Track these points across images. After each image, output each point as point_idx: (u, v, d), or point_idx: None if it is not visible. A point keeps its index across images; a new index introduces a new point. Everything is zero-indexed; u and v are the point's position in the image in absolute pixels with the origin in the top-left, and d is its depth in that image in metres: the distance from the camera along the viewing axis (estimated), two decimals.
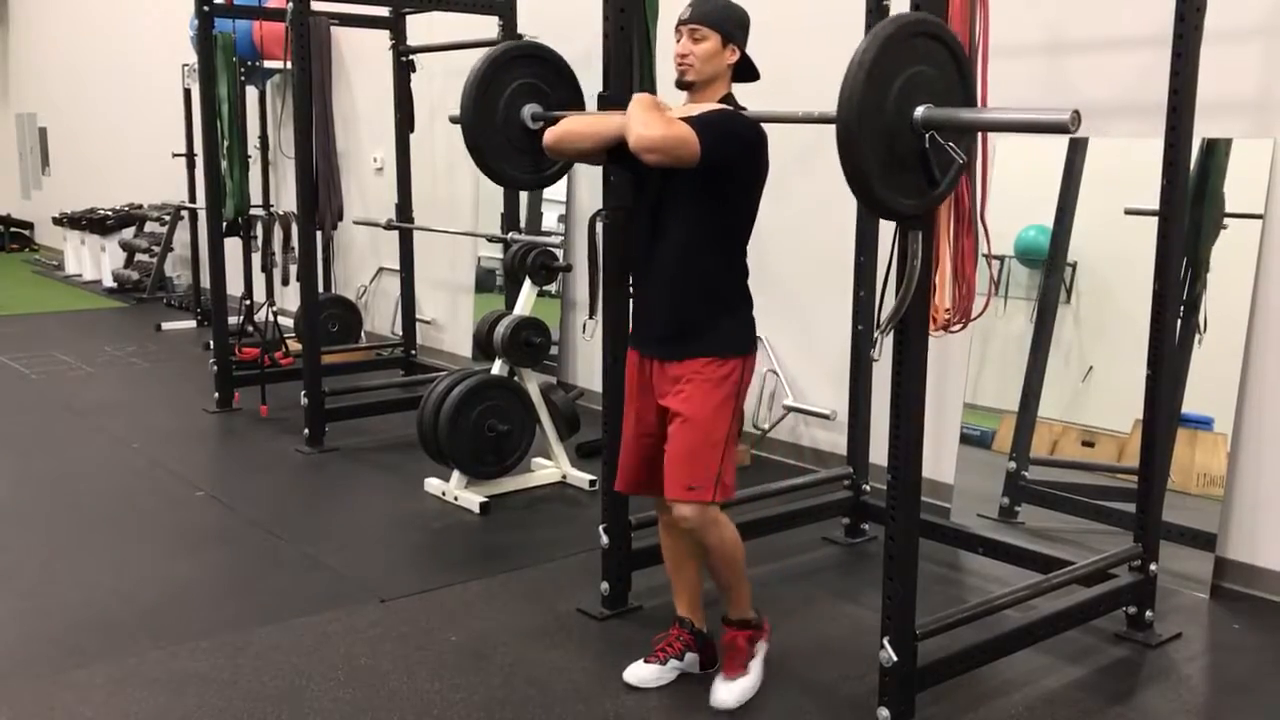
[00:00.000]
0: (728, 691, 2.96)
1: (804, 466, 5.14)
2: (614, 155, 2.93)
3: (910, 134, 2.42)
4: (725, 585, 3.02)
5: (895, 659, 2.69)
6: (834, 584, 3.87)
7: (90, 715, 2.93)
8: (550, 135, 3.02)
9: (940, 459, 4.44)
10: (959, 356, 4.37)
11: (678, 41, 2.86)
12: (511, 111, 3.40)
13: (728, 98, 2.89)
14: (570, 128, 3.00)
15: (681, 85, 2.90)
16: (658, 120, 2.70)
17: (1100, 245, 4.10)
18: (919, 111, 2.41)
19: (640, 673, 3.09)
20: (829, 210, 4.24)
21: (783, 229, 4.73)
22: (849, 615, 3.57)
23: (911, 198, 2.47)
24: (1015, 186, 4.24)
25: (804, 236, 4.99)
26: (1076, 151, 4.13)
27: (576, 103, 3.47)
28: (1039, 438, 4.24)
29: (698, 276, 2.86)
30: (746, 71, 2.94)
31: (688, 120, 2.72)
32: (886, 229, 2.88)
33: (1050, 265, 4.21)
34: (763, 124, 2.85)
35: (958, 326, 2.81)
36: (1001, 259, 4.24)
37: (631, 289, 3.12)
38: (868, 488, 4.16)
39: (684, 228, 2.85)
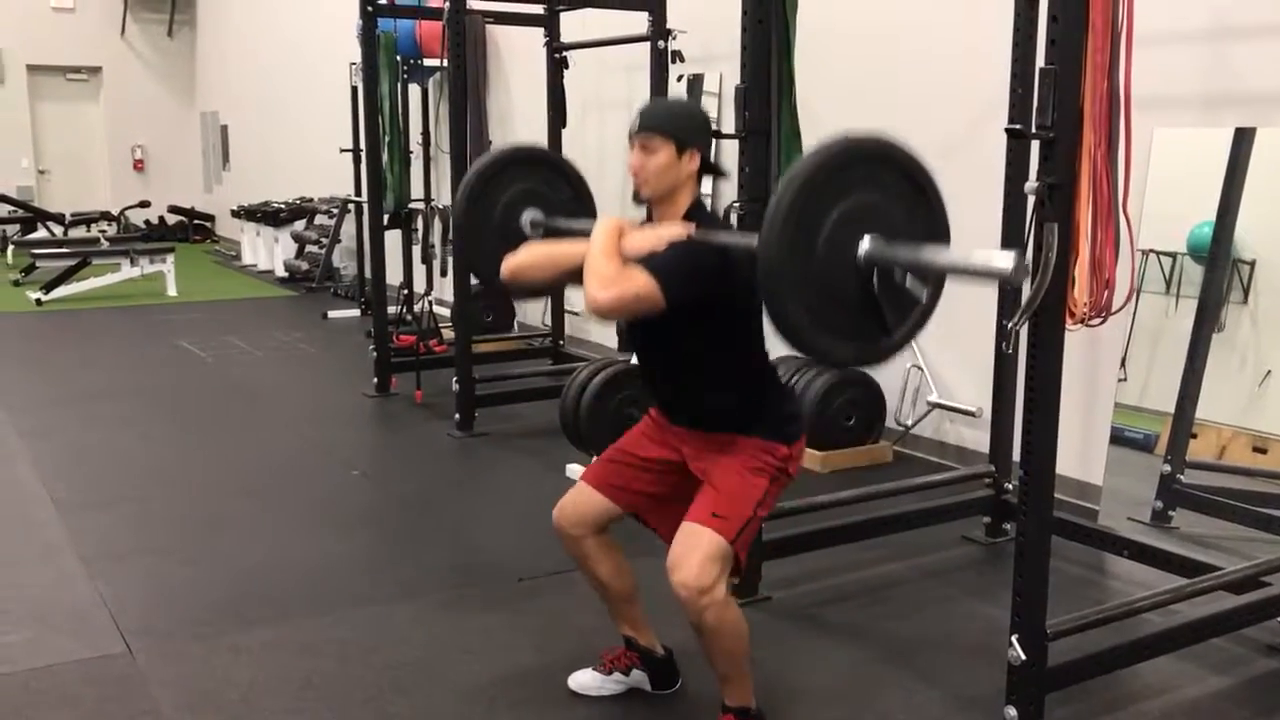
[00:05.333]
0: None
1: (947, 464, 5.05)
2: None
3: (854, 272, 2.16)
4: (723, 675, 2.67)
5: (1024, 657, 2.64)
6: (970, 583, 3.81)
7: (246, 676, 3.12)
8: (506, 266, 2.76)
9: (1089, 460, 4.32)
10: (1110, 354, 4.24)
11: (630, 151, 2.61)
12: (510, 218, 3.08)
13: (695, 207, 2.62)
14: (525, 259, 2.75)
15: (638, 200, 2.66)
16: (613, 277, 2.42)
17: None
18: (863, 246, 2.16)
19: (583, 678, 3.00)
20: (973, 203, 4.15)
21: None
22: (983, 614, 3.51)
23: (856, 344, 2.23)
24: (1188, 180, 4.07)
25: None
26: (1241, 144, 3.95)
27: (582, 208, 3.18)
28: (1204, 442, 4.06)
29: (723, 397, 2.64)
30: (711, 169, 2.69)
31: (645, 263, 2.43)
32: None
33: (1212, 262, 4.04)
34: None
35: (1096, 320, 2.73)
36: (1174, 256, 4.09)
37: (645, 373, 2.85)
38: (1010, 486, 4.07)
39: (686, 347, 2.62)
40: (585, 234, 2.61)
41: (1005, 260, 2.06)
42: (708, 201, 3.06)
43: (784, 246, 2.10)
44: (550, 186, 3.17)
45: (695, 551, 2.49)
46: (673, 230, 2.53)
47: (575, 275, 2.57)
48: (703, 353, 2.62)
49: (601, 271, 2.45)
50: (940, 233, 2.27)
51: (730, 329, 2.60)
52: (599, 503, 2.81)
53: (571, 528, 2.84)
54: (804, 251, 2.12)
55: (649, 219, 2.69)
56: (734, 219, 3.19)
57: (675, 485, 2.74)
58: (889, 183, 2.21)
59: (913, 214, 2.22)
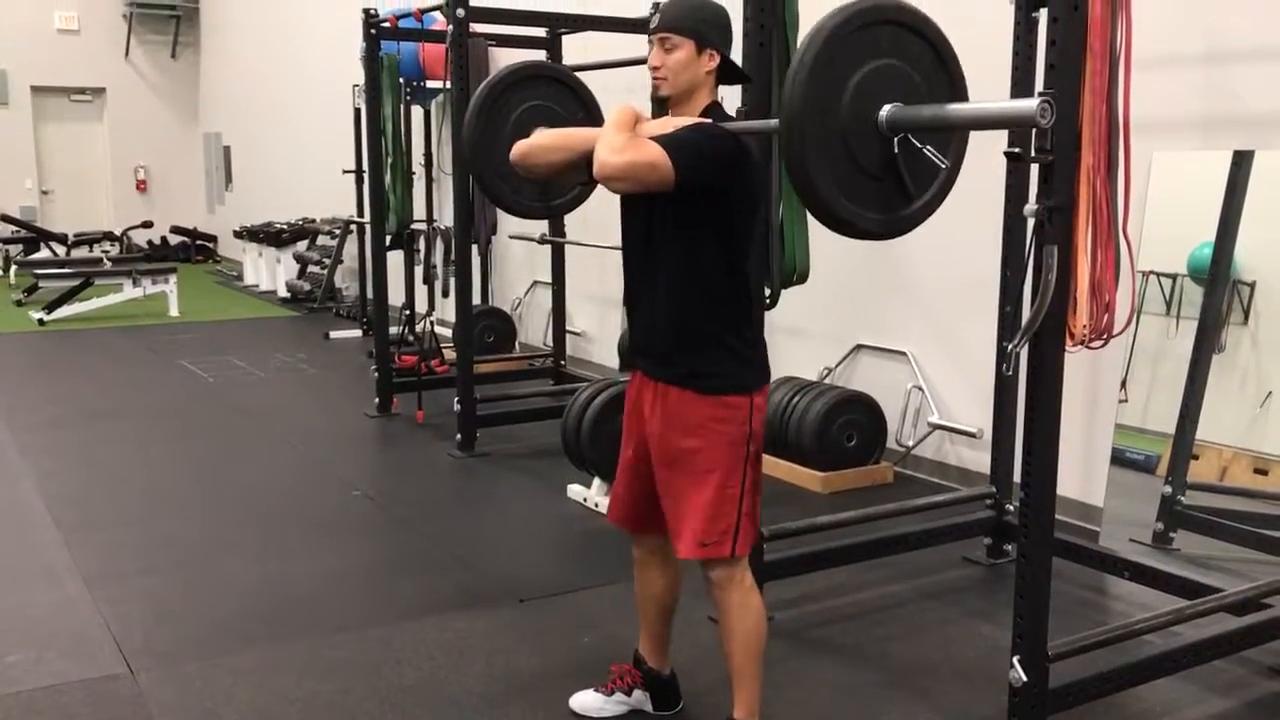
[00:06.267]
0: None
1: (949, 485, 5.05)
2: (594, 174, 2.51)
3: (876, 138, 2.17)
4: (736, 669, 2.68)
5: (1025, 679, 2.64)
6: (972, 604, 3.81)
7: (247, 697, 3.11)
8: (516, 149, 2.71)
9: (1090, 481, 4.32)
10: (1111, 376, 4.25)
11: (650, 48, 2.59)
12: (520, 135, 3.01)
13: (713, 107, 2.61)
14: (538, 140, 2.70)
15: (657, 100, 2.65)
16: (625, 143, 2.40)
17: None
18: (884, 112, 2.16)
19: (584, 699, 2.99)
20: (975, 223, 4.18)
21: (927, 243, 4.69)
22: (985, 635, 3.51)
23: (879, 212, 2.22)
24: (1187, 202, 4.09)
25: (949, 250, 4.92)
26: (1240, 165, 3.97)
27: (592, 122, 3.14)
28: (1206, 464, 4.06)
29: (692, 317, 2.58)
30: (734, 74, 2.68)
31: (660, 139, 2.42)
32: None
33: (1211, 283, 4.05)
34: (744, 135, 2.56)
35: (1098, 343, 2.74)
36: (1174, 277, 4.11)
37: (625, 308, 2.82)
38: (1011, 507, 4.07)
39: (674, 259, 2.58)
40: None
41: (1028, 105, 2.06)
42: None
43: (808, 100, 2.08)
44: (561, 104, 3.17)
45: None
46: (689, 120, 2.54)
47: (587, 161, 2.52)
48: (691, 265, 2.56)
49: (614, 140, 2.42)
50: (960, 94, 2.28)
51: (724, 239, 2.55)
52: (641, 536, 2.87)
53: (640, 536, 2.88)
54: (827, 116, 2.10)
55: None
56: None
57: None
58: (909, 48, 2.21)
59: (932, 79, 2.23)
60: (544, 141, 2.70)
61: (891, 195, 2.23)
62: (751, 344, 2.67)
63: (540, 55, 6.68)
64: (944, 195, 2.34)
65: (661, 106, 2.68)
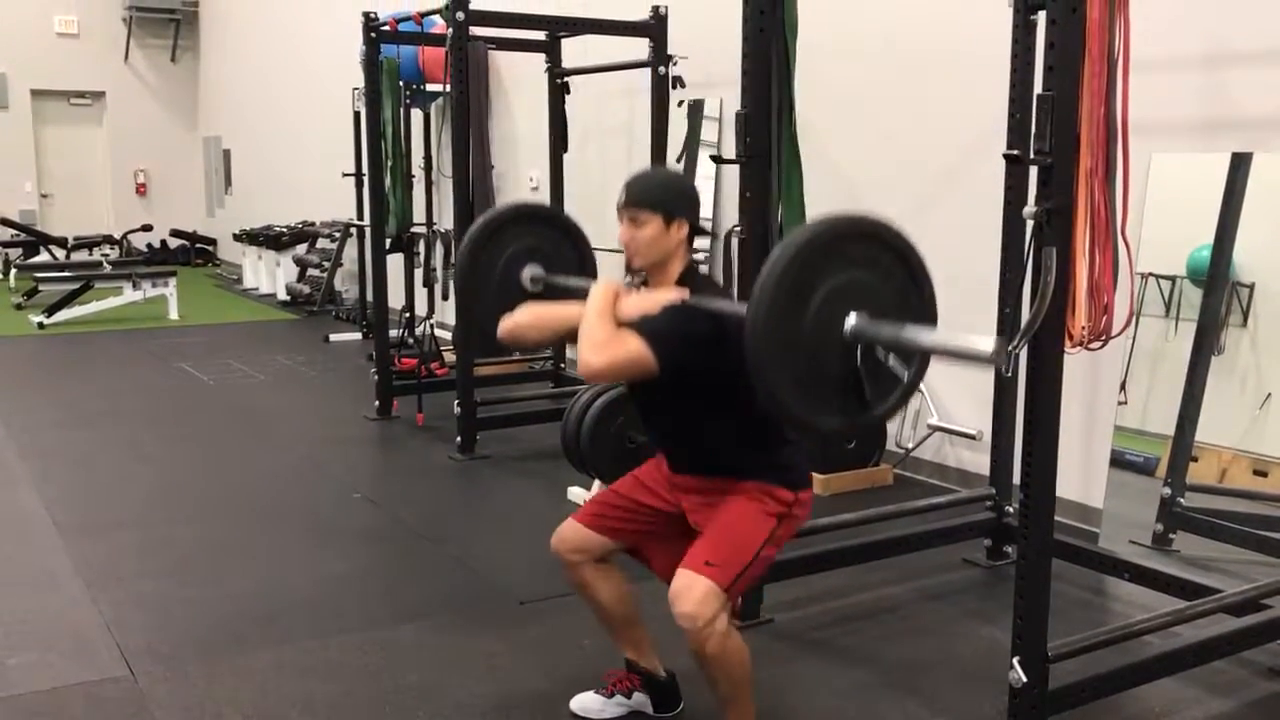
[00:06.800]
0: None
1: (948, 487, 5.06)
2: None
3: (840, 346, 2.20)
4: (725, 699, 2.66)
5: (1025, 680, 2.65)
6: (971, 605, 3.81)
7: (248, 699, 3.12)
8: (504, 327, 2.85)
9: (1090, 483, 4.33)
10: (1110, 377, 4.25)
11: (620, 224, 2.67)
12: (510, 273, 3.06)
13: (687, 273, 2.68)
14: (522, 318, 2.84)
15: (630, 271, 2.73)
16: (605, 340, 2.49)
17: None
18: (849, 322, 2.20)
19: (585, 701, 3.01)
20: (974, 225, 4.20)
21: (927, 244, 4.71)
22: (984, 637, 3.51)
23: (840, 416, 2.26)
24: (1186, 205, 4.10)
25: (949, 252, 4.90)
26: (1238, 169, 3.97)
27: (583, 266, 3.18)
28: (1205, 465, 4.06)
29: (723, 458, 2.68)
30: (698, 233, 2.75)
31: (638, 328, 2.49)
32: None
33: (1210, 285, 4.06)
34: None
35: (1096, 344, 2.75)
36: (1173, 279, 4.11)
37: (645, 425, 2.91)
38: (1010, 509, 4.08)
39: (687, 419, 2.68)
40: (583, 293, 2.66)
41: (986, 344, 2.10)
42: (702, 268, 3.04)
43: (772, 316, 2.14)
44: (553, 244, 3.16)
45: (694, 588, 2.51)
46: (667, 295, 2.58)
47: (571, 336, 2.63)
48: (701, 413, 2.65)
49: (595, 335, 2.51)
50: (928, 317, 2.31)
51: (726, 391, 2.57)
52: (595, 537, 2.84)
53: (570, 554, 2.86)
54: (792, 323, 2.16)
55: (645, 283, 2.74)
56: (734, 243, 3.22)
57: (669, 525, 2.78)
58: (881, 263, 2.25)
59: (902, 296, 2.27)
60: (531, 321, 2.84)
61: (851, 402, 2.25)
62: (789, 454, 2.69)
63: (540, 58, 6.68)
64: (903, 403, 2.35)
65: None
